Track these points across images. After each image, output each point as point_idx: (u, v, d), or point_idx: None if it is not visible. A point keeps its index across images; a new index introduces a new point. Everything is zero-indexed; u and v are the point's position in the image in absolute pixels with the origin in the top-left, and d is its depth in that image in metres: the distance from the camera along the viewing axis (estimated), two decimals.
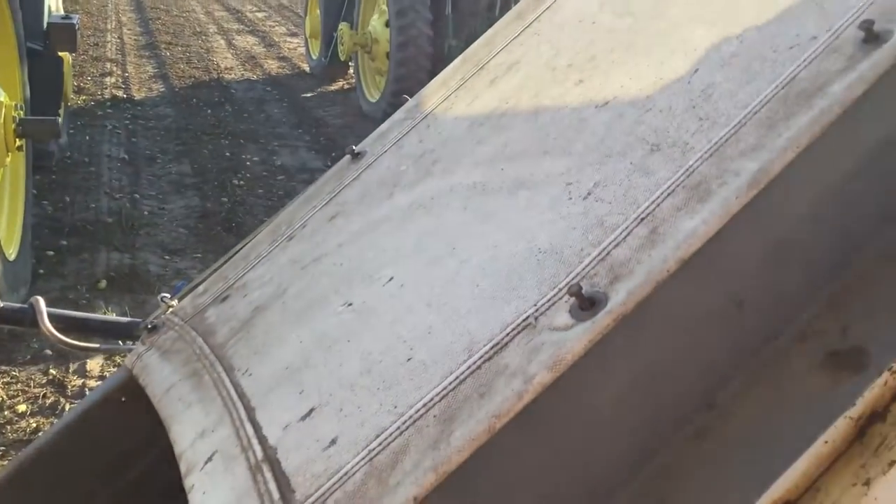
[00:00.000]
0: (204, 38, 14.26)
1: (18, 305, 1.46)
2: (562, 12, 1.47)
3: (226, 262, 1.48)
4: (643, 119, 1.12)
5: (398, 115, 1.54)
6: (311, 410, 1.02)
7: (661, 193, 0.98)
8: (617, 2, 1.38)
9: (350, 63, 10.80)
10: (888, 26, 0.97)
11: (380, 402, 0.95)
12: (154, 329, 1.39)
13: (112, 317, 1.54)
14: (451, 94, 1.47)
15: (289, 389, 1.07)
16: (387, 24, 9.44)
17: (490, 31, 1.59)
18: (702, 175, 0.97)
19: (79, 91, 9.65)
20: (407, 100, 1.62)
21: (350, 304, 1.14)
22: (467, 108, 1.41)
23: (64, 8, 7.81)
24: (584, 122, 1.19)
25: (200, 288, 1.45)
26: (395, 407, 0.93)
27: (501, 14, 9.37)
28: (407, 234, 1.20)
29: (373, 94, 10.02)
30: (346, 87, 11.46)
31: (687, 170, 0.99)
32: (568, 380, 0.87)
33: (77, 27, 6.64)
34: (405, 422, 0.90)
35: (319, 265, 1.27)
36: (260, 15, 17.45)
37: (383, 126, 1.54)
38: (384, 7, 9.56)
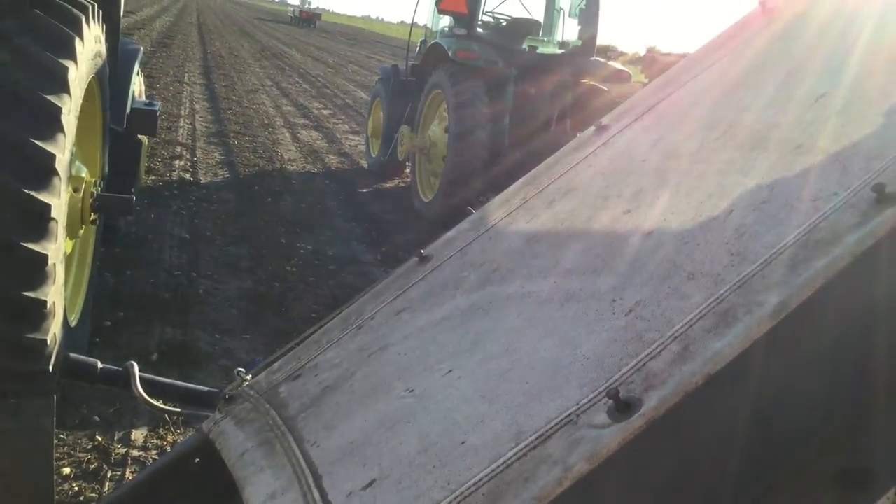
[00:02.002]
0: (271, 129, 14.97)
1: (115, 367, 1.63)
2: (616, 148, 1.66)
3: (299, 343, 1.65)
4: (682, 250, 1.28)
5: (464, 225, 1.73)
6: (373, 482, 1.15)
7: (694, 316, 1.13)
8: (665, 144, 1.57)
9: (407, 163, 11.22)
10: None
11: (434, 479, 1.09)
12: (231, 399, 1.55)
13: (195, 385, 1.69)
14: (513, 211, 1.66)
15: (353, 462, 1.21)
16: (446, 130, 9.85)
17: (551, 159, 1.78)
18: (730, 303, 1.12)
19: (148, 171, 10.17)
20: (472, 212, 1.80)
21: (412, 391, 1.29)
22: (526, 224, 1.58)
23: (146, 94, 8.35)
24: (631, 248, 1.35)
25: (275, 365, 1.62)
26: (448, 484, 1.06)
27: (557, 128, 9.70)
28: (466, 333, 1.36)
29: (426, 194, 10.35)
30: (401, 185, 11.87)
31: (718, 298, 1.14)
32: (605, 474, 1.00)
33: (158, 113, 7.10)
34: (456, 497, 1.03)
35: (385, 354, 1.43)
36: (325, 112, 18.27)
37: (449, 234, 1.73)
38: (445, 114, 9.99)
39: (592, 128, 1.79)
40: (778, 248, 1.15)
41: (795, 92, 1.48)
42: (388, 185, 11.98)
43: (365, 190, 11.53)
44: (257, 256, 8.03)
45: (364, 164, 12.81)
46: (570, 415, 1.06)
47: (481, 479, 1.03)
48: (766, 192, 1.28)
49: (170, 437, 4.67)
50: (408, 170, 11.43)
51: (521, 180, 1.76)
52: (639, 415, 1.01)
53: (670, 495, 1.03)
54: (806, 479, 1.08)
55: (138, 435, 4.71)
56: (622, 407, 1.03)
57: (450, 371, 1.28)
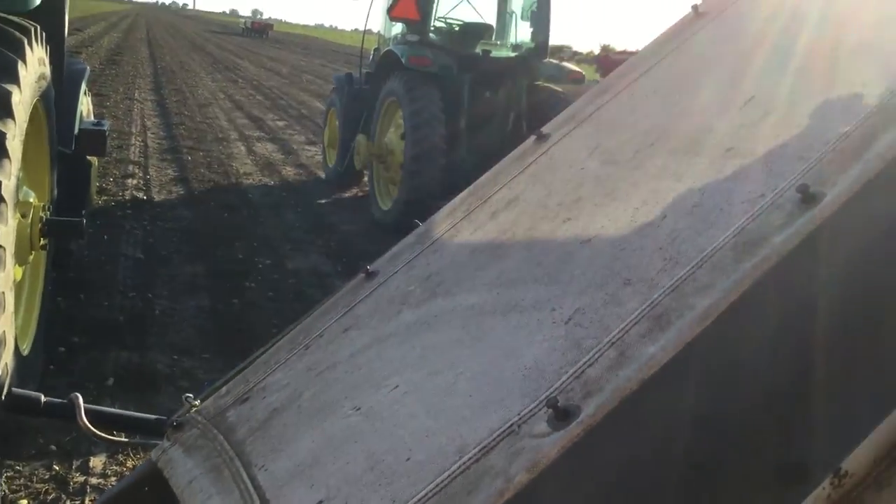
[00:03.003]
0: (225, 143, 14.83)
1: (60, 401, 1.61)
2: (556, 156, 1.68)
3: (247, 366, 1.64)
4: (619, 256, 1.30)
5: (409, 238, 1.74)
6: (320, 503, 1.15)
7: (630, 322, 1.15)
8: (603, 151, 1.59)
9: (365, 172, 11.21)
10: (822, 189, 1.16)
11: (381, 497, 1.09)
12: (179, 426, 1.53)
13: (142, 414, 1.68)
14: (458, 223, 1.67)
15: (301, 484, 1.21)
16: (402, 137, 9.86)
17: (495, 168, 1.80)
18: (664, 308, 1.14)
19: (100, 192, 10.02)
20: (418, 224, 1.81)
21: (359, 409, 1.29)
22: (470, 236, 1.60)
23: (94, 113, 8.23)
24: (570, 256, 1.37)
25: (223, 390, 1.61)
26: (394, 501, 1.07)
27: (514, 130, 9.78)
28: (412, 348, 1.37)
29: (385, 203, 10.35)
30: (360, 194, 11.85)
31: (652, 303, 1.16)
32: (547, 482, 1.01)
33: (106, 133, 6.99)
34: None
35: (333, 372, 1.43)
36: (280, 124, 18.16)
37: (395, 248, 1.74)
38: (400, 121, 10.00)
39: (534, 137, 1.81)
40: (708, 252, 1.17)
41: (726, 95, 1.51)
42: (347, 194, 11.95)
43: (323, 201, 11.48)
44: (215, 273, 7.95)
45: (321, 174, 12.76)
46: (511, 426, 1.08)
47: (426, 494, 1.04)
48: (698, 196, 1.31)
49: (129, 463, 4.60)
50: (366, 179, 11.41)
51: (465, 191, 1.78)
52: (577, 422, 1.02)
53: (612, 500, 1.05)
54: (745, 475, 1.11)
55: (97, 462, 4.63)
56: (561, 415, 1.04)
57: (396, 387, 1.29)
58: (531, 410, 1.09)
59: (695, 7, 1.88)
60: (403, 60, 9.75)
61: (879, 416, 1.16)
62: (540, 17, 10.81)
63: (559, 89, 10.28)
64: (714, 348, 1.09)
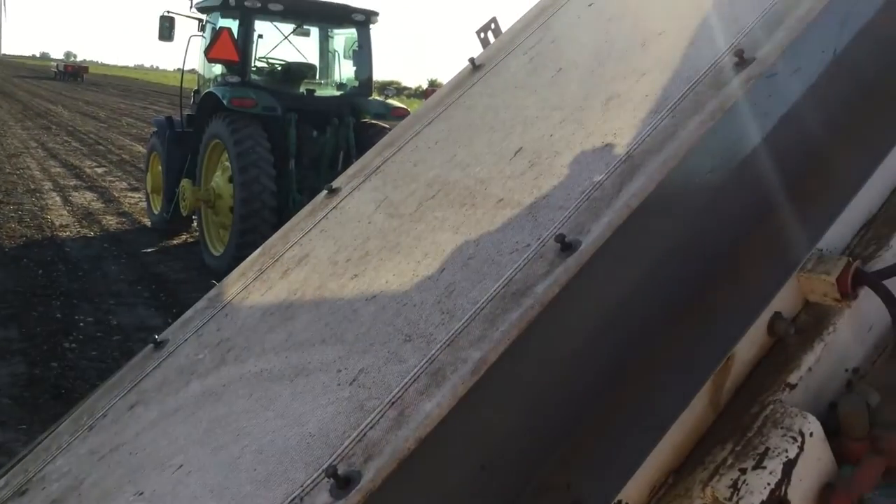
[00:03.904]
0: (38, 195, 13.89)
1: None
2: (346, 211, 1.69)
3: (27, 454, 1.52)
4: (401, 312, 1.32)
5: (200, 303, 1.68)
6: None
7: (410, 379, 1.16)
8: (389, 204, 1.62)
9: (193, 217, 10.82)
10: (578, 238, 1.24)
11: None
12: None
13: None
14: (249, 284, 1.64)
15: None
16: (230, 180, 9.61)
17: (287, 226, 1.79)
18: (441, 363, 1.16)
19: None
20: (215, 284, 1.76)
21: (141, 494, 1.23)
22: (261, 297, 1.57)
23: None
24: (356, 314, 1.37)
25: (2, 481, 1.48)
26: None
27: (344, 168, 9.82)
28: (199, 422, 1.32)
29: (217, 248, 10.03)
30: (190, 240, 11.42)
31: (430, 358, 1.18)
32: None
33: None
34: None
35: (116, 455, 1.35)
36: (100, 171, 17.23)
37: (187, 314, 1.68)
38: (227, 164, 9.76)
39: (325, 191, 1.81)
40: (481, 304, 1.22)
41: (498, 147, 1.58)
42: (175, 241, 11.48)
43: (149, 250, 10.96)
44: (30, 336, 7.38)
45: (146, 222, 12.18)
46: (294, 499, 1.06)
47: None
48: (473, 248, 1.35)
49: None
50: (195, 224, 11.01)
51: (257, 250, 1.75)
52: (356, 490, 1.02)
53: None
54: None
55: None
56: (342, 483, 1.04)
57: (180, 467, 1.24)
58: (314, 481, 1.08)
59: (472, 60, 1.96)
60: (225, 102, 9.55)
61: (650, 446, 1.24)
62: (362, 56, 10.94)
63: (386, 126, 10.41)
64: (487, 399, 1.13)
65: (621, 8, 1.79)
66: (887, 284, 1.42)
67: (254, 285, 1.63)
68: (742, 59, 1.36)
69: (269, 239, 1.77)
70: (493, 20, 2.24)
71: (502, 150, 1.56)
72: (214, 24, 10.51)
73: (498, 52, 1.95)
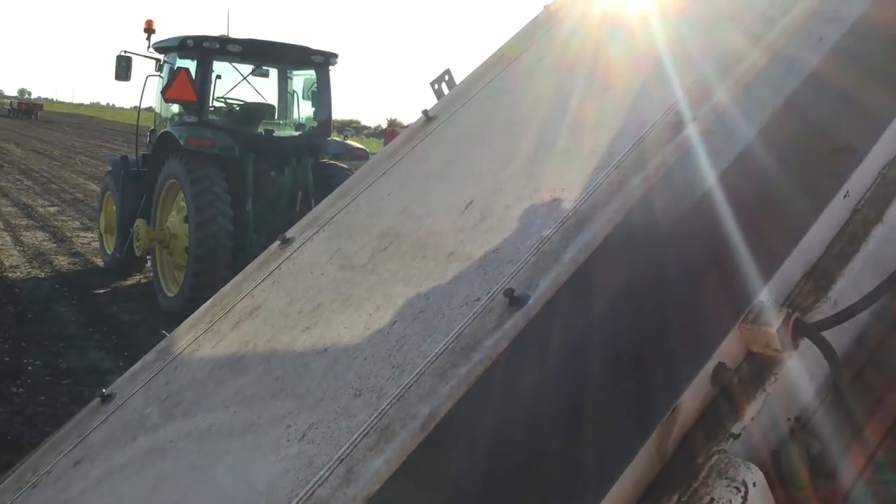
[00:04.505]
0: None
1: None
2: (299, 262, 1.69)
3: None
4: (352, 366, 1.32)
5: (150, 356, 1.66)
6: None
7: (359, 435, 1.16)
8: (342, 255, 1.63)
9: (147, 258, 10.68)
10: (526, 292, 1.26)
11: None
12: None
13: None
14: (200, 336, 1.62)
15: None
16: (186, 220, 9.53)
17: (239, 276, 1.78)
18: (390, 418, 1.17)
19: None
20: (165, 335, 1.74)
21: None
22: (212, 350, 1.56)
23: None
24: (307, 367, 1.37)
25: None
26: None
27: (302, 208, 9.80)
28: (145, 479, 1.30)
29: (171, 289, 9.90)
30: (144, 281, 11.24)
31: (380, 413, 1.18)
32: None
33: None
34: None
35: None
36: (52, 210, 16.94)
37: (135, 366, 1.65)
38: (183, 204, 9.68)
39: (278, 241, 1.81)
40: (431, 357, 1.23)
41: (450, 199, 1.60)
42: (129, 282, 11.29)
43: (102, 291, 10.76)
44: None
45: (99, 262, 11.97)
46: None
47: None
48: (423, 301, 1.37)
49: None
50: (149, 265, 10.85)
51: (209, 301, 1.74)
52: None
53: None
54: None
55: None
56: None
57: None
58: None
59: (425, 112, 2.00)
60: (182, 142, 9.51)
61: (597, 498, 1.25)
62: (321, 97, 10.99)
63: (345, 166, 10.44)
64: (435, 456, 1.13)
65: (571, 63, 1.84)
66: (827, 335, 1.46)
67: (204, 337, 1.61)
68: (683, 118, 1.41)
69: (221, 289, 1.76)
70: (447, 72, 2.28)
71: (454, 203, 1.59)
72: (172, 64, 10.50)
73: (451, 103, 1.99)
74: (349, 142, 11.49)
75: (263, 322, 1.56)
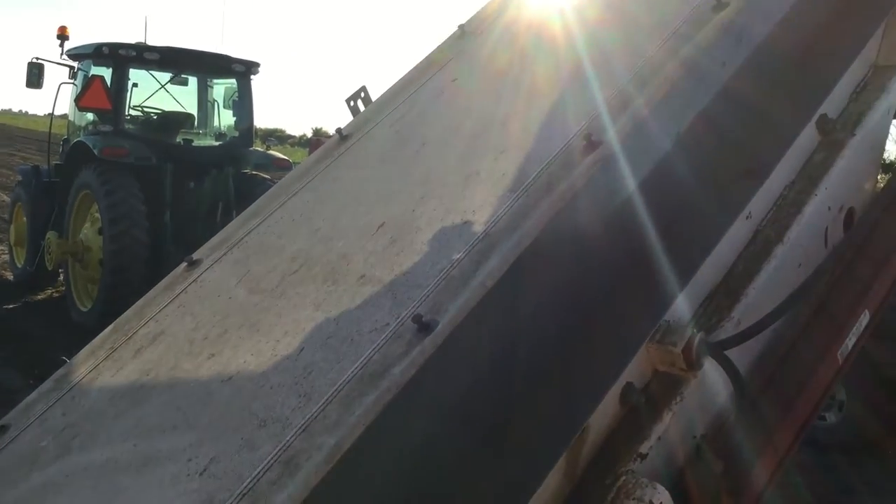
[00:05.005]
0: None
1: None
2: (206, 285, 1.64)
3: None
4: (258, 395, 1.28)
5: (46, 385, 1.58)
6: None
7: (262, 469, 1.13)
8: (251, 279, 1.59)
9: (60, 271, 10.28)
10: (435, 317, 1.25)
11: None
12: None
13: None
14: (100, 364, 1.56)
15: None
16: (100, 232, 9.22)
17: (142, 300, 1.72)
18: (295, 450, 1.14)
19: None
20: (66, 361, 1.66)
21: None
22: (112, 379, 1.50)
23: None
24: (211, 397, 1.33)
25: None
26: None
27: (223, 220, 9.60)
28: None
29: (85, 303, 9.54)
30: (56, 295, 10.81)
31: (284, 444, 1.15)
32: None
33: None
34: None
35: None
36: None
37: (30, 397, 1.57)
38: (97, 215, 9.36)
39: (184, 263, 1.76)
40: (338, 386, 1.20)
41: (361, 221, 1.58)
42: (40, 296, 10.83)
43: (12, 305, 10.30)
44: None
45: (9, 276, 11.46)
46: None
47: None
48: (332, 327, 1.34)
49: None
50: (61, 278, 10.45)
51: (110, 327, 1.67)
52: None
53: None
54: None
55: None
56: None
57: None
58: None
59: (339, 130, 1.97)
60: (96, 151, 9.20)
61: None
62: (243, 106, 10.80)
63: (267, 177, 10.28)
64: (340, 490, 1.11)
65: (482, 85, 1.84)
66: (731, 353, 1.50)
67: (104, 365, 1.55)
68: (590, 142, 1.43)
69: (123, 314, 1.70)
70: (363, 89, 2.26)
71: (366, 225, 1.57)
72: (87, 72, 10.16)
73: (365, 122, 1.96)
74: (272, 152, 11.30)
75: (167, 349, 1.51)
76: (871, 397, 6.55)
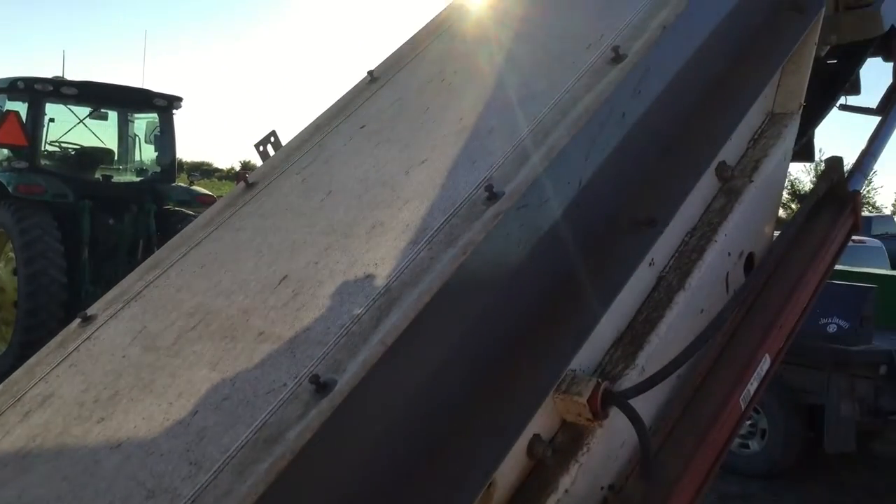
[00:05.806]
0: None
1: None
2: (100, 342, 1.57)
3: None
4: (146, 462, 1.22)
5: None
6: None
7: None
8: (147, 336, 1.53)
9: None
10: (333, 377, 1.21)
11: None
12: None
13: None
14: None
15: None
16: (14, 272, 8.88)
17: (33, 359, 1.63)
18: None
19: None
20: None
21: None
22: None
23: None
24: (98, 465, 1.26)
25: None
26: None
27: (144, 258, 9.34)
28: None
29: None
30: None
31: None
32: None
33: None
34: None
35: None
36: None
37: None
38: (11, 255, 9.02)
39: (78, 319, 1.68)
40: (231, 452, 1.15)
41: (263, 273, 1.54)
42: None
43: None
44: None
45: None
46: None
47: None
48: (229, 388, 1.29)
49: None
50: None
51: None
52: None
53: None
54: None
55: None
56: None
57: None
58: None
59: (244, 177, 1.93)
60: (10, 188, 8.88)
61: None
62: (165, 141, 10.60)
63: (191, 213, 10.07)
64: None
65: (389, 133, 1.83)
66: (636, 401, 1.51)
67: None
68: (492, 193, 1.43)
69: (12, 375, 1.61)
70: (273, 133, 2.23)
71: (268, 278, 1.53)
72: (1, 107, 9.83)
73: (272, 169, 1.93)
74: (195, 187, 11.09)
75: (55, 412, 1.43)
76: (790, 424, 6.75)
